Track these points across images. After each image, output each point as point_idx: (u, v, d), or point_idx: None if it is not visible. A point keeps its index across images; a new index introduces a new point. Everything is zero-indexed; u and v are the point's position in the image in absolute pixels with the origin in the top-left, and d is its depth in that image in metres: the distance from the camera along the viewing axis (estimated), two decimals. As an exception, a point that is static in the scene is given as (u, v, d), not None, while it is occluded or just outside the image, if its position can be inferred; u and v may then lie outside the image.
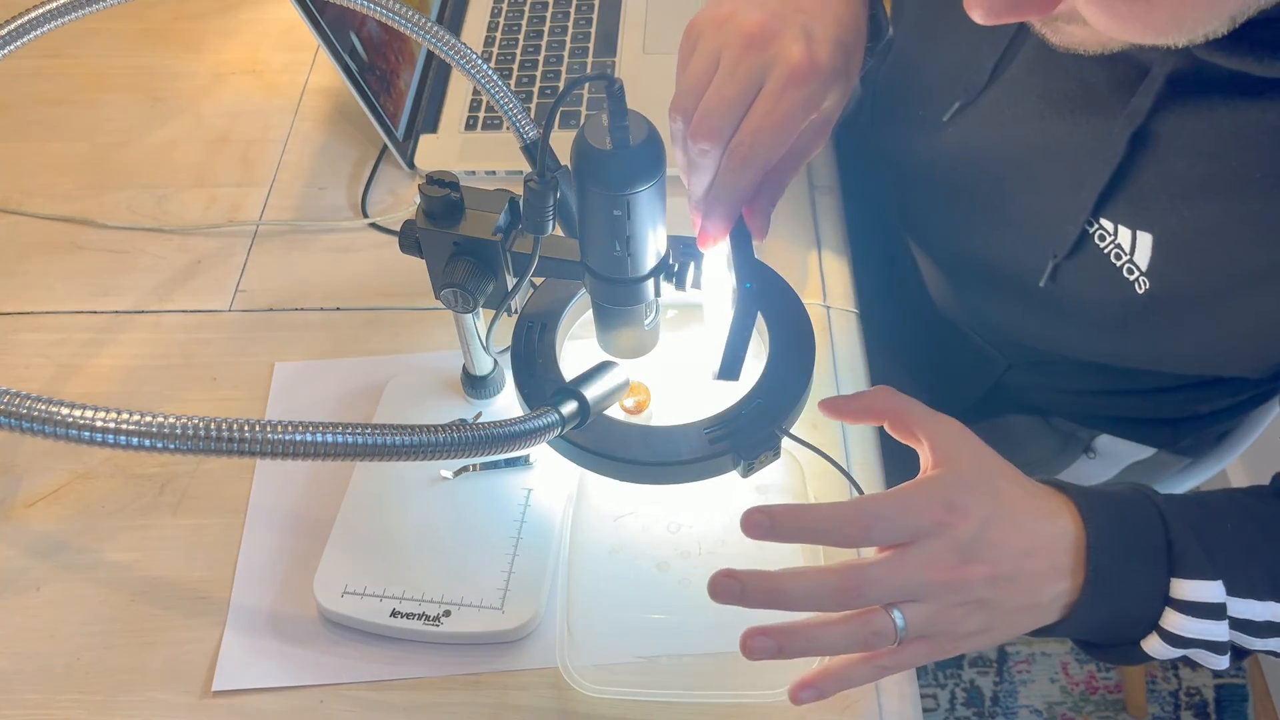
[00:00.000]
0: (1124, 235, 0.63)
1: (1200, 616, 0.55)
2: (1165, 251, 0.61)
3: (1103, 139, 0.61)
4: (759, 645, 0.51)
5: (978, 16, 0.49)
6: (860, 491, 0.59)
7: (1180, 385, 0.81)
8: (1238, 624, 0.56)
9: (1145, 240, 0.62)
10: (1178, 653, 0.57)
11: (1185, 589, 0.55)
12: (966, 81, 0.69)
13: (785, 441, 0.59)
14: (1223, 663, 0.57)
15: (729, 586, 0.51)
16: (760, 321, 0.64)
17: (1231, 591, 0.55)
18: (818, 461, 0.62)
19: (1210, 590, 0.55)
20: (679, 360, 0.69)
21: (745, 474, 0.59)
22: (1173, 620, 0.55)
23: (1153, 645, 0.57)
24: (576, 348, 0.67)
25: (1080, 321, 0.69)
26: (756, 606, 0.52)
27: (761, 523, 0.52)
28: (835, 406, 0.60)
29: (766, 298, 0.64)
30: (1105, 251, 0.64)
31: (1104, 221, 0.63)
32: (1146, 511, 0.57)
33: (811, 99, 0.60)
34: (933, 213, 0.80)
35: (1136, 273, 0.63)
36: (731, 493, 0.65)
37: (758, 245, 0.62)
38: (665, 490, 0.64)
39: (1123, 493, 0.58)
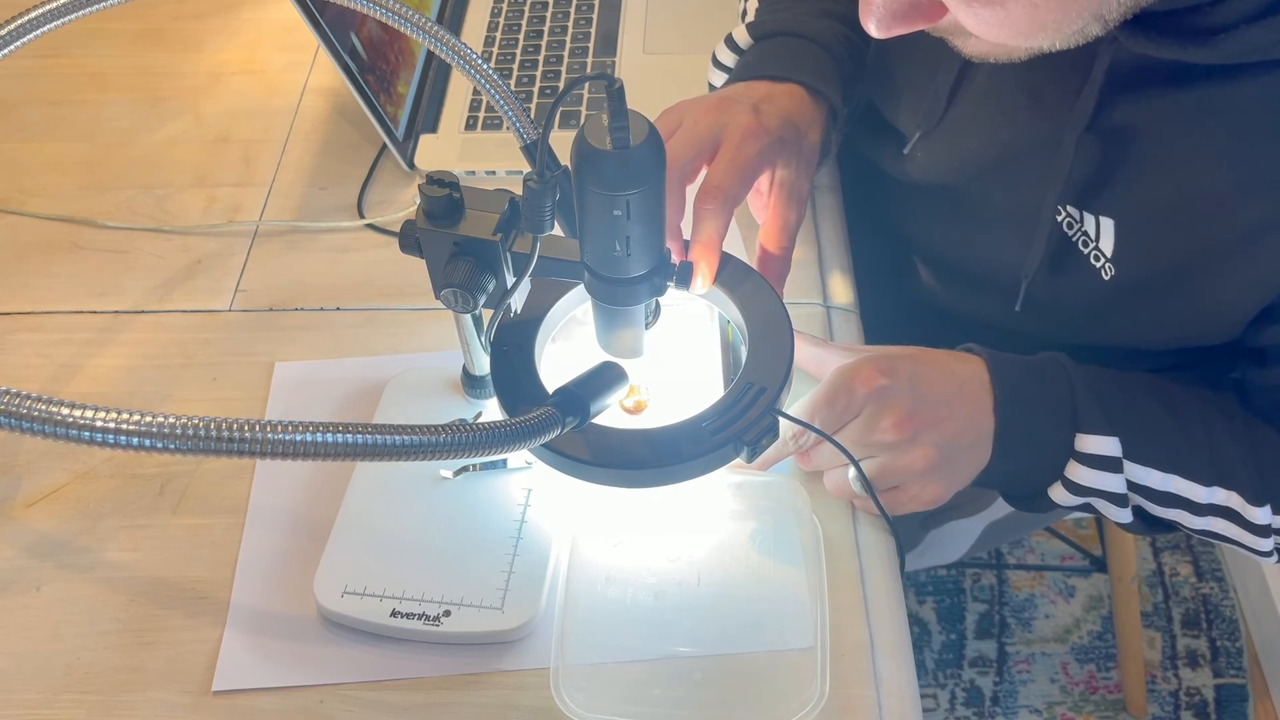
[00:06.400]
0: (1089, 222, 0.66)
1: (1098, 468, 0.63)
2: (1127, 235, 0.65)
3: (1057, 138, 0.64)
4: None
5: (872, 30, 0.54)
6: (850, 457, 0.62)
7: (1175, 365, 0.82)
8: (1137, 488, 0.64)
9: (1108, 225, 0.65)
10: (1079, 500, 0.65)
11: (1086, 443, 0.63)
12: (925, 110, 0.73)
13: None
14: (1125, 515, 0.66)
15: None
16: (734, 309, 0.65)
17: (1130, 456, 0.63)
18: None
19: (1107, 445, 0.63)
20: (677, 360, 0.69)
21: (750, 459, 0.60)
22: (1074, 470, 0.63)
23: (1057, 493, 0.65)
24: (557, 350, 0.67)
25: (1055, 312, 0.72)
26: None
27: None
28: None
29: (733, 285, 0.65)
30: (1073, 239, 0.67)
31: (1070, 209, 0.67)
32: (1055, 374, 0.65)
33: (764, 154, 0.67)
34: (910, 218, 0.83)
35: (1103, 259, 0.66)
36: (726, 516, 0.65)
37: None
38: (660, 516, 0.65)
39: (1034, 358, 0.66)
